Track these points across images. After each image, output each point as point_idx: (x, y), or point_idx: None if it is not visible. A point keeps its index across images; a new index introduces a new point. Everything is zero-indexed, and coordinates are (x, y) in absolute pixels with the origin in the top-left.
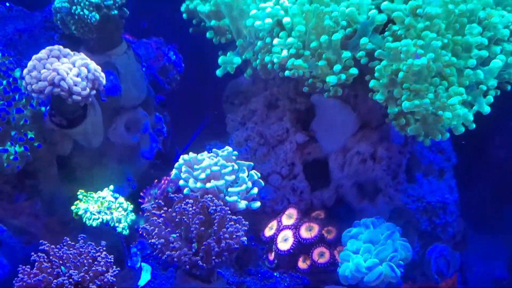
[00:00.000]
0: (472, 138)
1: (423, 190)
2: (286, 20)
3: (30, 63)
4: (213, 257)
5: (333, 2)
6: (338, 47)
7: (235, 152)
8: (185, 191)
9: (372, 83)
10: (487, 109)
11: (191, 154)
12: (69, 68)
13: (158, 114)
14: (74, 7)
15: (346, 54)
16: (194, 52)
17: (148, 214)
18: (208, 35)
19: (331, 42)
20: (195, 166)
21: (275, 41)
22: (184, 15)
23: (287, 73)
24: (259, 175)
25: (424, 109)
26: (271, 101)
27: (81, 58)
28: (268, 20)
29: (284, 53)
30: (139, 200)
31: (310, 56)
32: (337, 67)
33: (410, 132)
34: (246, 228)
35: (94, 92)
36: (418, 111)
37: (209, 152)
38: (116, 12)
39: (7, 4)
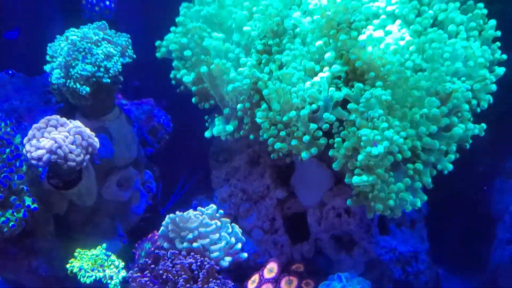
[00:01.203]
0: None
1: (396, 240)
2: (265, 91)
3: (30, 132)
4: None
5: (301, 81)
6: (306, 120)
7: (221, 211)
8: (172, 249)
9: (331, 152)
10: (450, 167)
11: (177, 213)
12: (65, 136)
13: (148, 171)
14: (68, 81)
15: (313, 126)
16: (183, 108)
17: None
18: (193, 100)
19: (299, 117)
20: (182, 225)
21: (258, 114)
22: (173, 82)
23: (273, 156)
24: (241, 231)
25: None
26: (253, 158)
27: (76, 126)
28: (246, 81)
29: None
30: (133, 250)
31: (287, 135)
32: (306, 138)
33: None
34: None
35: (88, 157)
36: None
37: (195, 209)
38: (108, 80)
39: (10, 72)
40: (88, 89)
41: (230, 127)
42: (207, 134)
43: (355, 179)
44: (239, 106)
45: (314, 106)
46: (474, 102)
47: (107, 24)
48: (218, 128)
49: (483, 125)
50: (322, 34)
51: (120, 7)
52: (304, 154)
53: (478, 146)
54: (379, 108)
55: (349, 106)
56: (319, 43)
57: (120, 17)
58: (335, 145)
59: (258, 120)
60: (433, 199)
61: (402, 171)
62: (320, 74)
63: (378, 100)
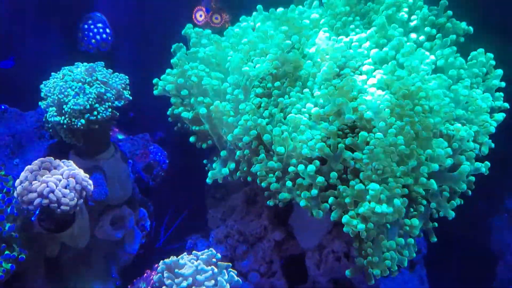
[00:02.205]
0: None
1: (395, 282)
2: (266, 136)
3: (22, 174)
4: None
5: (307, 127)
6: (313, 175)
7: (218, 255)
8: None
9: (330, 200)
10: (451, 214)
11: (172, 257)
12: (58, 180)
13: (142, 209)
14: (62, 117)
15: (320, 179)
16: (180, 141)
17: None
18: (191, 139)
19: (307, 171)
20: (176, 270)
21: (256, 162)
22: (169, 119)
23: (269, 202)
24: (235, 272)
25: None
26: (250, 196)
27: (69, 168)
28: (253, 132)
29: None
30: None
31: (291, 185)
32: (314, 192)
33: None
34: None
35: (81, 201)
36: None
37: (189, 248)
38: (96, 126)
39: (3, 107)
40: (83, 121)
41: (226, 170)
42: (208, 180)
43: (345, 219)
44: (238, 152)
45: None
46: (476, 146)
47: (103, 64)
48: (213, 172)
49: (487, 163)
50: (326, 78)
51: (117, 39)
52: (315, 213)
53: (477, 184)
54: (384, 159)
55: (355, 155)
56: (322, 90)
57: (117, 49)
58: (337, 194)
59: (255, 170)
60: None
61: (398, 224)
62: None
63: (383, 150)
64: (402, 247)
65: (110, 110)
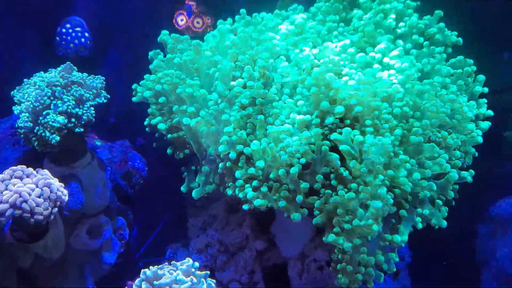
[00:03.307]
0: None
1: None
2: (247, 149)
3: None
4: None
5: (287, 135)
6: (296, 178)
7: (196, 264)
8: None
9: (317, 204)
10: (444, 224)
11: (152, 268)
12: (31, 189)
13: (121, 218)
14: (37, 127)
15: (305, 185)
16: (161, 147)
17: None
18: (168, 151)
19: (289, 175)
20: (155, 282)
21: (237, 172)
22: (147, 129)
23: (245, 206)
24: (214, 281)
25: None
26: (232, 204)
27: (44, 177)
28: (239, 147)
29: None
30: None
31: (268, 191)
32: (299, 198)
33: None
34: None
35: (56, 210)
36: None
37: (169, 258)
38: (81, 129)
39: None
40: (58, 138)
41: (210, 188)
42: (183, 189)
43: (331, 238)
44: (220, 165)
45: (303, 160)
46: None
47: (72, 65)
48: (198, 191)
49: (472, 171)
50: (313, 84)
51: (96, 44)
52: (295, 216)
53: (462, 192)
54: (379, 155)
55: (341, 147)
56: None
57: (96, 54)
58: (322, 198)
59: (237, 176)
60: (416, 245)
61: (379, 237)
62: (310, 128)
63: (379, 147)
64: (381, 262)
65: (92, 109)
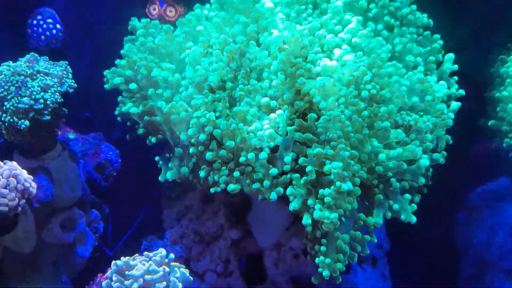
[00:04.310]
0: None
1: (357, 279)
2: (216, 131)
3: None
4: None
5: (255, 118)
6: (265, 163)
7: (171, 256)
8: None
9: (288, 191)
10: (413, 219)
11: (123, 259)
12: None
13: (95, 211)
14: (3, 115)
15: (274, 171)
16: (137, 139)
17: None
18: (139, 131)
19: (258, 159)
20: (127, 272)
21: (207, 153)
22: (119, 118)
23: (212, 189)
24: (188, 271)
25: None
26: (208, 194)
27: (10, 168)
28: (203, 135)
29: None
30: None
31: (241, 175)
32: (266, 183)
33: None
34: None
35: (24, 201)
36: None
37: (144, 250)
38: (48, 117)
39: None
40: (27, 122)
41: (185, 169)
42: (161, 178)
43: (316, 214)
44: (191, 149)
45: (271, 144)
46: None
47: (38, 56)
48: (172, 172)
49: (444, 152)
50: (280, 68)
51: (68, 35)
52: (272, 195)
53: (439, 179)
54: (338, 130)
55: (306, 136)
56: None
57: (68, 46)
58: (294, 182)
59: (208, 158)
60: (394, 233)
61: (353, 218)
62: (278, 111)
63: (336, 122)
64: (357, 241)
65: (58, 94)
